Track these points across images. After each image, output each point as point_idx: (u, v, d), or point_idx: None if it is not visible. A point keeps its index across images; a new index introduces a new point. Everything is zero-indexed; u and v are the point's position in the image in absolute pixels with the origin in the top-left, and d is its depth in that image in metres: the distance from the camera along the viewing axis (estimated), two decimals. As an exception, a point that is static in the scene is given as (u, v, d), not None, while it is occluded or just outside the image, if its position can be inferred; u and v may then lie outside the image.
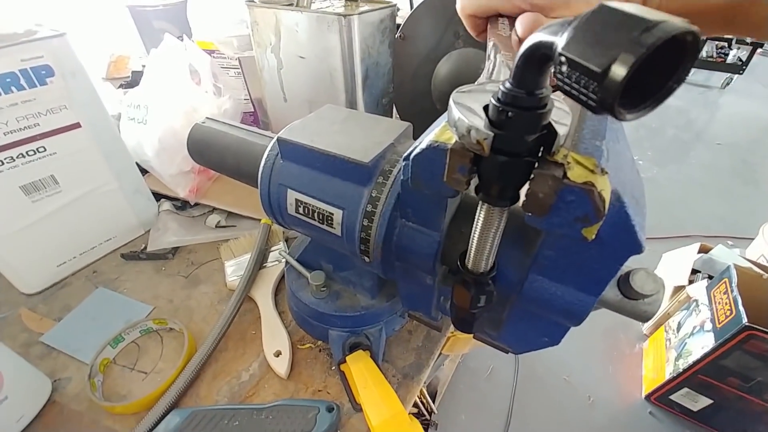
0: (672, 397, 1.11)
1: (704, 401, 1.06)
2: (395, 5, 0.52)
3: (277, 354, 0.39)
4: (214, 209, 0.60)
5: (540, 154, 0.17)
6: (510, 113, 0.15)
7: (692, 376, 1.03)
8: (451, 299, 0.27)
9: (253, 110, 0.73)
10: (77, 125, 0.46)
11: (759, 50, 3.08)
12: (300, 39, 0.51)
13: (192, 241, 0.55)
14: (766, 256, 1.38)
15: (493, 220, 0.20)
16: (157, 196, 0.60)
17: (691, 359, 1.02)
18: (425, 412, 0.96)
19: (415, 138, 0.36)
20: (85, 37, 1.04)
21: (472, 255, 0.23)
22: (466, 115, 0.17)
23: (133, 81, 0.93)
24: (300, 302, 0.40)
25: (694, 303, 1.12)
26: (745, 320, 0.88)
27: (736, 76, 3.11)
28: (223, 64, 0.67)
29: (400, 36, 0.61)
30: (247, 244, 0.52)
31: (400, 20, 0.61)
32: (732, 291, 0.97)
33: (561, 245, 0.22)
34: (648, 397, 1.16)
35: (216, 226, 0.57)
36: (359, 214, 0.30)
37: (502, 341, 0.32)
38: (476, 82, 0.23)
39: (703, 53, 3.00)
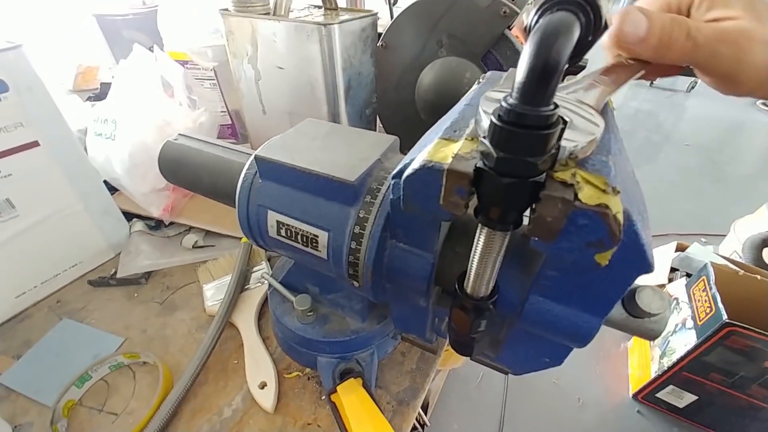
0: (658, 394, 1.12)
1: (689, 397, 1.07)
2: (377, 14, 0.51)
3: (262, 386, 0.36)
4: (190, 228, 0.57)
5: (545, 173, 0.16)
6: (513, 133, 0.14)
7: (677, 374, 1.05)
8: (449, 322, 0.25)
9: (230, 123, 0.70)
10: (35, 144, 0.42)
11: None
12: (278, 49, 0.49)
13: (167, 264, 0.51)
14: (739, 252, 1.44)
15: (494, 245, 0.19)
16: (129, 216, 0.56)
17: (674, 357, 1.04)
18: (418, 426, 0.94)
19: (402, 151, 0.34)
20: (50, 47, 0.99)
21: (471, 280, 0.22)
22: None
23: (102, 93, 0.89)
24: (285, 328, 0.37)
25: (675, 301, 1.15)
26: (725, 317, 0.90)
27: (699, 79, 3.28)
28: (198, 76, 0.64)
29: (381, 44, 0.60)
30: (227, 265, 0.49)
31: (380, 29, 0.60)
32: (711, 288, 0.99)
33: (565, 266, 0.21)
34: (635, 396, 1.17)
35: (193, 247, 0.53)
36: (346, 236, 0.28)
37: (500, 362, 0.31)
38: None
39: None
